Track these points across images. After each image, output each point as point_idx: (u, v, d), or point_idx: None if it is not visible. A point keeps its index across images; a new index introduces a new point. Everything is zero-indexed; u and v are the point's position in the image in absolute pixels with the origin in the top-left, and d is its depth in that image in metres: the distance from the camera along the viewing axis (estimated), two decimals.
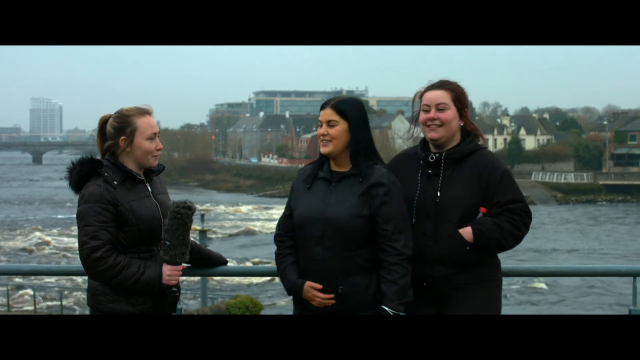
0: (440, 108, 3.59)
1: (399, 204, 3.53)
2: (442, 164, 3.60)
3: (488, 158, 3.61)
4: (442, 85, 3.64)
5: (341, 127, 3.54)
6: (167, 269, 3.58)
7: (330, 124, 3.55)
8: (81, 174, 3.60)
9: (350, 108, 3.57)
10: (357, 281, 3.49)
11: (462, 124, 3.65)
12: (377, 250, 3.52)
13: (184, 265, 3.65)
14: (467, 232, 3.52)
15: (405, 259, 3.47)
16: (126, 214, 3.56)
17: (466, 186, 3.55)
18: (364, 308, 3.49)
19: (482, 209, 3.55)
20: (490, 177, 3.54)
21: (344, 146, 3.56)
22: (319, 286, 3.50)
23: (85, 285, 3.71)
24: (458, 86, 3.67)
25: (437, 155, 3.60)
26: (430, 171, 3.61)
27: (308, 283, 3.53)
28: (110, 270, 3.49)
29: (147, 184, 3.72)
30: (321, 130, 3.58)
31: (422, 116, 3.64)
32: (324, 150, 3.57)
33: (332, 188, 3.57)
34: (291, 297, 3.71)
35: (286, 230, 3.69)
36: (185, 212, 3.54)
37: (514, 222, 3.53)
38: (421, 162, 3.63)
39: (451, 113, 3.60)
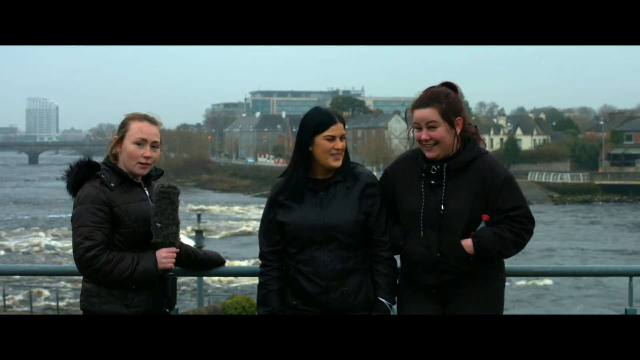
0: (430, 126, 3.55)
1: (385, 202, 3.69)
2: (444, 175, 3.57)
3: (489, 164, 3.57)
4: (429, 101, 3.56)
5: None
6: (162, 252, 3.59)
7: (342, 137, 3.62)
8: (78, 176, 3.61)
9: None
10: (354, 282, 3.60)
11: (457, 133, 3.58)
12: (369, 246, 3.65)
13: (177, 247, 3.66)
14: (468, 245, 3.53)
15: (394, 253, 3.69)
16: (121, 216, 3.56)
17: (469, 196, 3.54)
18: (357, 309, 3.61)
19: (485, 217, 3.55)
20: (491, 184, 3.53)
21: None
22: None
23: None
24: (446, 96, 3.57)
25: (438, 167, 3.57)
26: (432, 182, 3.59)
27: None
28: (104, 267, 3.48)
29: (145, 189, 3.73)
30: (338, 145, 3.59)
31: (416, 134, 3.61)
32: (339, 163, 3.61)
33: (321, 197, 3.62)
34: None
35: (271, 244, 3.71)
36: (171, 191, 3.56)
37: (515, 230, 3.52)
38: (423, 174, 3.61)
39: (442, 129, 3.54)
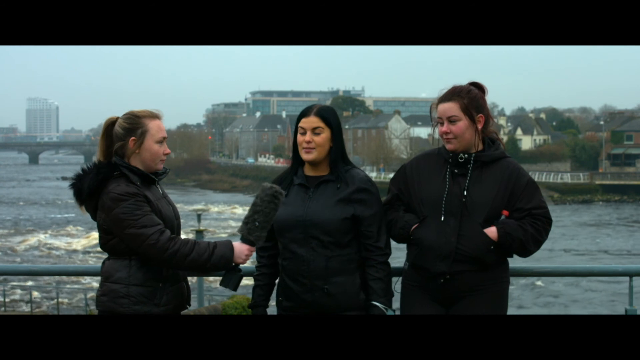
0: (451, 120, 3.63)
1: (380, 206, 3.68)
2: (471, 165, 3.64)
3: (515, 166, 3.68)
4: (452, 96, 3.65)
5: (325, 134, 3.62)
6: (245, 247, 3.53)
7: (315, 131, 3.61)
8: (99, 177, 3.51)
9: (333, 116, 3.68)
10: (339, 281, 3.58)
11: (479, 128, 3.67)
12: (361, 250, 3.65)
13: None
14: (491, 231, 3.58)
15: (388, 258, 3.67)
16: (157, 212, 3.54)
17: (492, 188, 3.61)
18: (347, 309, 3.60)
19: (505, 212, 3.61)
20: (516, 183, 3.63)
21: (326, 153, 3.64)
22: None
23: (83, 286, 3.69)
24: (468, 92, 3.66)
25: (466, 155, 3.65)
26: (456, 170, 3.66)
27: None
28: (182, 248, 3.44)
29: (158, 186, 3.71)
30: (306, 138, 3.61)
31: (439, 129, 3.69)
32: (308, 157, 3.62)
33: (310, 193, 3.64)
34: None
35: (266, 240, 3.71)
36: (281, 198, 3.49)
37: (536, 226, 3.60)
38: (450, 160, 3.67)
39: (463, 124, 3.63)
